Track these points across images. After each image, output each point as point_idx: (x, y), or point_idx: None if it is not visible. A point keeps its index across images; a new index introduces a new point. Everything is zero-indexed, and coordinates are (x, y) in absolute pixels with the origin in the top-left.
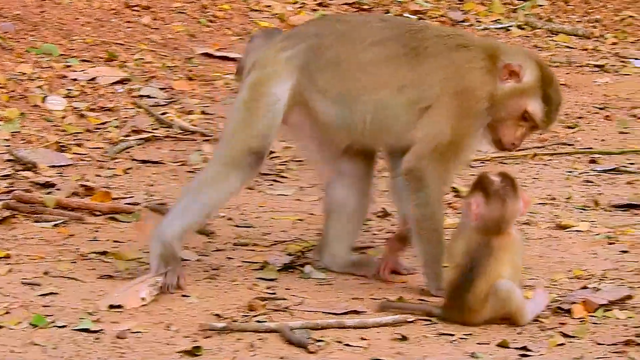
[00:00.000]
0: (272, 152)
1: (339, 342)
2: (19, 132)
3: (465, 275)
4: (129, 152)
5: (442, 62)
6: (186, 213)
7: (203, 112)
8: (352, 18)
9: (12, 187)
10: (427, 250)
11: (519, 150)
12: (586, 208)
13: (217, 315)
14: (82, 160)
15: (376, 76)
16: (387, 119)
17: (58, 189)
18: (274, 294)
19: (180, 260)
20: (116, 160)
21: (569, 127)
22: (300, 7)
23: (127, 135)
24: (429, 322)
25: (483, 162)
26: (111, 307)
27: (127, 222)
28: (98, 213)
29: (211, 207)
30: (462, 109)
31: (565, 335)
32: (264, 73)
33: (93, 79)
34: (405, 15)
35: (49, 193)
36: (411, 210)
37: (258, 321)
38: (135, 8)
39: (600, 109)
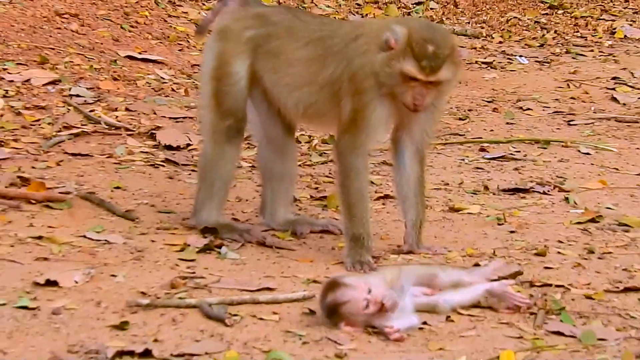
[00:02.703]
0: (189, 145)
1: (253, 316)
2: None
3: None
4: (60, 146)
5: (340, 57)
6: (210, 196)
7: (127, 109)
8: (305, 17)
9: None
10: (345, 218)
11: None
12: (477, 192)
13: (142, 292)
14: (18, 154)
15: (302, 75)
16: (318, 110)
17: None
18: (193, 273)
19: (234, 222)
20: (49, 154)
21: (460, 119)
22: None
23: (59, 131)
24: None
25: (382, 152)
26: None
27: (60, 209)
28: (33, 201)
29: (226, 180)
30: (355, 89)
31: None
32: (228, 48)
33: (27, 80)
34: None
35: None
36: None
37: (179, 298)
38: (65, 16)
39: (489, 102)
